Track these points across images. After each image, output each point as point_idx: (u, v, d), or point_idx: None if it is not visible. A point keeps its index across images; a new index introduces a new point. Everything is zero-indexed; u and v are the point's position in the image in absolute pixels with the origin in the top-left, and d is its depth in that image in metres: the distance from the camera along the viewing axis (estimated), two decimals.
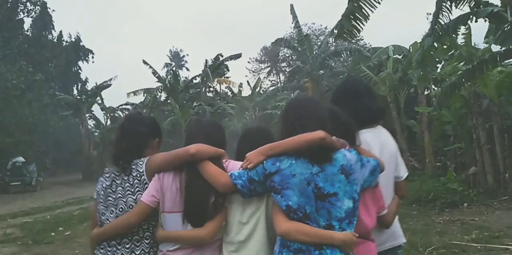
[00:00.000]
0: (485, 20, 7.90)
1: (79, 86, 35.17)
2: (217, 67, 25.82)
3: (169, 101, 24.50)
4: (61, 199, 15.56)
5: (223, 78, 28.63)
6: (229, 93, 29.34)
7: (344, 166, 1.51)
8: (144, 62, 25.30)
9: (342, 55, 19.73)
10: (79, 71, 35.46)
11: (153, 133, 2.06)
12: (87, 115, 29.90)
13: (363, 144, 1.76)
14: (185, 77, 31.41)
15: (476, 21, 7.75)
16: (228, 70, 28.48)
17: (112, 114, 30.92)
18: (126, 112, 34.99)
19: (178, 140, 22.66)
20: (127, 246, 1.82)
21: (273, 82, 39.53)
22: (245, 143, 1.92)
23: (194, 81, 26.50)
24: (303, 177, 1.47)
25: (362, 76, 15.97)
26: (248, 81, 32.17)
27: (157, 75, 25.77)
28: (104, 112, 30.77)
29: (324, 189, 1.47)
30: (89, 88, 32.31)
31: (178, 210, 1.72)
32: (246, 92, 28.91)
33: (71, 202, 14.65)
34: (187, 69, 50.69)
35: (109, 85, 29.50)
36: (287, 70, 33.94)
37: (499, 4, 7.47)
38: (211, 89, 28.37)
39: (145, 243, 1.84)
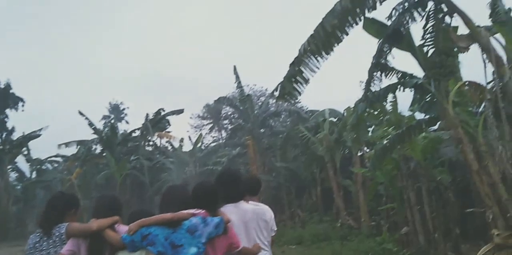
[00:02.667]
0: (411, 90, 8.76)
1: (4, 136, 32.54)
2: (158, 121, 25.51)
3: (104, 154, 23.40)
4: None
5: (164, 132, 28.17)
6: (170, 147, 28.78)
7: (189, 227, 2.48)
8: (80, 113, 24.34)
9: (282, 115, 20.55)
10: (5, 119, 33.00)
11: (70, 206, 2.91)
12: (9, 166, 27.38)
13: (225, 211, 2.74)
14: (124, 130, 30.51)
15: (403, 90, 8.56)
16: (170, 125, 28.19)
17: (39, 166, 28.65)
18: (55, 165, 32.71)
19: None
20: None
21: (214, 138, 39.63)
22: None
23: (133, 134, 25.80)
24: (163, 236, 2.43)
25: (301, 136, 16.61)
26: (189, 136, 31.97)
27: (93, 127, 24.77)
28: (29, 164, 28.44)
29: (175, 242, 2.42)
30: (14, 138, 29.97)
31: None
32: (187, 147, 28.53)
33: None
34: (127, 122, 49.44)
35: (38, 136, 27.64)
36: (229, 127, 34.38)
37: (423, 77, 8.34)
38: (151, 143, 27.68)
39: None
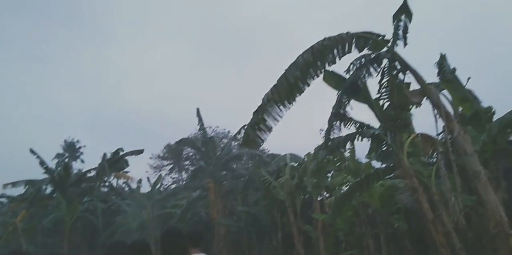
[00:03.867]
0: (368, 140, 9.13)
1: None
2: (116, 161, 24.65)
3: (55, 195, 22.09)
4: None
5: (121, 172, 27.20)
6: (127, 189, 27.67)
7: None
8: (32, 151, 23.15)
9: (244, 158, 20.55)
10: None
11: None
12: None
13: None
14: (79, 169, 29.17)
15: (361, 140, 8.91)
16: (128, 165, 27.31)
17: None
18: None
19: (60, 240, 19.86)
20: None
21: (174, 179, 38.67)
22: None
23: (89, 174, 24.67)
24: None
25: (263, 180, 16.59)
26: (148, 178, 30.98)
27: (45, 166, 23.52)
28: None
29: None
30: None
31: None
32: (145, 188, 27.55)
33: None
34: (82, 161, 47.42)
35: None
36: (190, 168, 33.80)
37: (379, 127, 8.76)
38: (107, 184, 26.55)
39: None
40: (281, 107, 7.36)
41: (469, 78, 8.82)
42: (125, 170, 27.84)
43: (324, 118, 9.00)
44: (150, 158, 40.41)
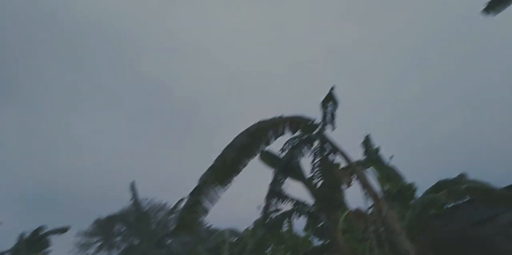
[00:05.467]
0: (305, 217, 9.26)
1: None
2: (35, 241, 22.25)
3: None
4: None
5: (41, 253, 24.39)
6: None
7: None
8: None
9: (181, 235, 19.54)
10: None
11: None
12: None
13: None
14: None
15: (299, 217, 9.03)
16: (50, 245, 24.67)
17: None
18: None
19: None
20: None
21: None
22: None
23: None
24: None
25: None
26: None
27: None
28: None
29: None
30: None
31: None
32: None
33: None
34: None
35: None
36: (123, 245, 31.22)
37: (313, 205, 8.97)
38: None
39: None
40: (218, 188, 7.36)
41: (392, 156, 9.59)
42: (48, 249, 25.10)
43: (264, 187, 9.07)
44: (77, 235, 36.89)
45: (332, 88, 7.80)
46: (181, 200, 18.30)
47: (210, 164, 7.39)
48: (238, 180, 7.74)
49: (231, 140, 7.61)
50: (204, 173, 7.37)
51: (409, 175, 10.27)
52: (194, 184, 7.52)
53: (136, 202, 19.08)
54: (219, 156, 7.44)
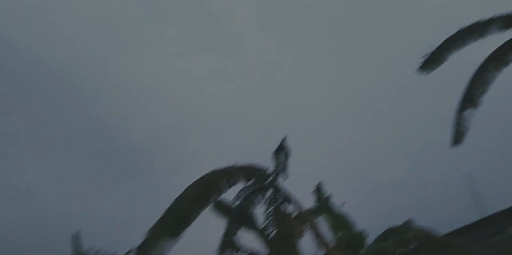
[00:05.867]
0: None
1: None
2: None
3: None
4: None
5: None
6: None
7: None
8: None
9: None
10: None
11: None
12: None
13: None
14: None
15: None
16: None
17: None
18: None
19: None
20: None
21: None
22: None
23: None
24: None
25: None
26: None
27: None
28: None
29: None
30: None
31: None
32: None
33: None
34: None
35: None
36: None
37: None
38: None
39: None
40: (168, 241, 7.08)
41: (343, 203, 9.80)
42: None
43: (217, 239, 8.81)
44: None
45: (284, 139, 8.03)
46: (129, 251, 17.18)
47: (160, 216, 7.15)
48: (189, 231, 7.51)
49: (182, 190, 7.48)
50: (153, 225, 7.09)
51: (361, 221, 10.50)
52: (142, 234, 7.22)
53: (79, 253, 17.71)
54: (170, 207, 7.23)
